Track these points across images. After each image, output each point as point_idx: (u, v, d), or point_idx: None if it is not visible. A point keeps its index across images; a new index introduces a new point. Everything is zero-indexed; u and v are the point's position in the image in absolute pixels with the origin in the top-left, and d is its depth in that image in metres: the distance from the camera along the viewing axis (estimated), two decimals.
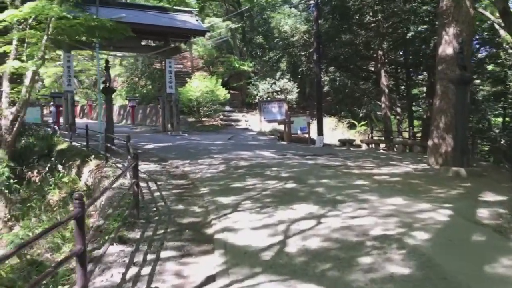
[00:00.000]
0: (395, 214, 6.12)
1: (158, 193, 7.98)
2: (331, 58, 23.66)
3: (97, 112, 41.90)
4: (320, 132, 19.29)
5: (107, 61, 13.35)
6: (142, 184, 8.57)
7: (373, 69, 28.43)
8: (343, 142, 21.18)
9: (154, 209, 6.89)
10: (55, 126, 17.95)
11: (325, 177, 9.41)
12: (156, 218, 6.37)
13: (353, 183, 8.74)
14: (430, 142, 11.83)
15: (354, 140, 21.42)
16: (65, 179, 11.06)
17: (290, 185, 8.48)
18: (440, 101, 11.54)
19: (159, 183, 9.02)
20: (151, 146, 16.17)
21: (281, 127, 21.89)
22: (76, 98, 49.76)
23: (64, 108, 20.64)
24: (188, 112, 26.09)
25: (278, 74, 27.80)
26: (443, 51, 11.48)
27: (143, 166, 11.03)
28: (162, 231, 5.72)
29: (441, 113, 11.48)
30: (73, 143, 15.92)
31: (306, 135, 21.39)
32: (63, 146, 15.66)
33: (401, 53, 24.73)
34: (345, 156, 14.24)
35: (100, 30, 12.68)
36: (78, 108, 47.58)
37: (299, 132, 21.90)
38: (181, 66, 35.21)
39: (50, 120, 27.92)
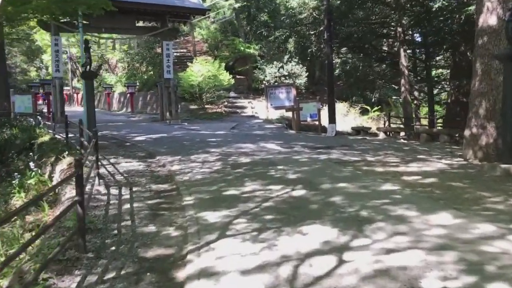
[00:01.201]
0: (450, 245, 4.26)
1: (128, 206, 6.19)
2: (343, 37, 21.49)
3: (97, 100, 40.50)
4: (332, 119, 17.38)
5: (86, 41, 11.51)
6: (113, 191, 6.80)
7: (387, 49, 26.25)
8: (358, 130, 19.25)
9: (115, 232, 5.10)
10: (38, 116, 16.22)
11: (342, 179, 7.55)
12: (113, 248, 4.58)
13: (378, 188, 6.87)
14: (467, 132, 9.87)
15: (370, 128, 19.45)
16: (32, 181, 9.32)
17: (299, 191, 6.64)
18: (480, 82, 9.54)
19: (135, 189, 7.23)
20: (142, 138, 14.40)
21: (290, 114, 20.03)
22: (78, 85, 48.61)
23: (53, 96, 18.94)
24: (190, 99, 24.30)
25: (286, 57, 25.78)
26: (484, 21, 9.44)
27: (124, 165, 9.28)
28: (112, 275, 3.93)
29: (481, 97, 9.49)
30: (57, 135, 14.22)
31: (316, 123, 19.52)
32: (45, 138, 13.96)
33: (420, 31, 22.50)
34: (362, 147, 12.33)
35: (77, 3, 10.82)
36: (80, 96, 46.10)
37: (308, 119, 20.06)
38: (185, 50, 33.33)
39: (46, 109, 26.39)
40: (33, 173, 10.15)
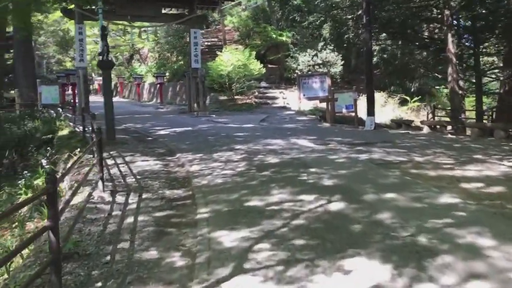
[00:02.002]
0: None
1: (131, 219, 5.20)
2: (382, 22, 19.80)
3: (128, 90, 40.23)
4: (370, 111, 15.95)
5: (103, 28, 10.60)
6: (119, 198, 5.84)
7: (428, 34, 24.25)
8: (399, 123, 17.74)
9: (107, 258, 4.10)
10: (59, 108, 15.61)
11: (389, 187, 6.30)
12: (98, 285, 3.58)
13: (435, 200, 5.59)
14: None
15: (412, 121, 17.86)
16: (39, 181, 8.54)
17: (337, 204, 5.45)
18: None
19: (145, 195, 6.25)
20: (166, 131, 13.51)
21: (323, 105, 18.70)
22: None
23: (77, 87, 18.36)
24: (219, 89, 23.31)
25: (320, 44, 24.30)
26: None
27: (139, 164, 8.34)
28: None
29: None
30: (77, 128, 13.55)
31: (352, 114, 18.12)
32: (64, 132, 13.32)
33: (469, 15, 20.49)
34: (407, 144, 10.94)
35: None
36: (112, 86, 46.12)
37: (344, 110, 18.66)
38: (215, 39, 32.38)
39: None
40: (44, 171, 9.41)
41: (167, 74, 30.04)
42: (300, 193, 6.00)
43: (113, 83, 45.31)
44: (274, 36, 26.52)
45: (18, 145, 13.76)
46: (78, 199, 5.79)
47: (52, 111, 15.60)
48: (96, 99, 39.36)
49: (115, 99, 40.27)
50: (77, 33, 17.75)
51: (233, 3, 24.47)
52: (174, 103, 26.74)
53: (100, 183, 6.14)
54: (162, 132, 13.37)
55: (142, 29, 23.21)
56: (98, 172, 6.30)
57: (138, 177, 7.33)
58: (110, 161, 8.59)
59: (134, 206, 5.70)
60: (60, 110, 15.28)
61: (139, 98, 33.48)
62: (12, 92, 21.13)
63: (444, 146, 10.74)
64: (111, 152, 9.56)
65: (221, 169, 7.81)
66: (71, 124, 14.26)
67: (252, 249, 4.09)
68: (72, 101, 22.23)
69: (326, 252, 3.98)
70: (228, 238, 4.40)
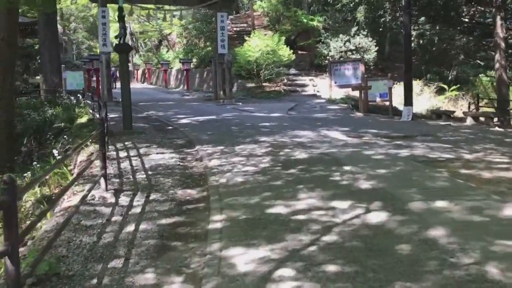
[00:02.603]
0: None
1: (132, 227, 4.42)
2: (422, 4, 18.30)
3: (156, 77, 39.82)
4: (408, 101, 14.73)
5: (120, 9, 9.86)
6: (123, 200, 5.09)
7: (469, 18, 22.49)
8: (438, 114, 16.40)
9: (93, 281, 3.33)
10: (79, 94, 15.11)
11: (438, 192, 5.29)
12: None
13: (499, 212, 4.57)
14: None
15: (453, 111, 16.51)
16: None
17: (377, 215, 4.51)
18: None
19: (153, 196, 5.47)
20: (188, 120, 12.78)
21: (356, 93, 17.56)
22: (139, 61, 48.49)
23: (100, 72, 17.86)
24: (246, 76, 22.41)
25: (353, 29, 22.95)
26: None
27: (153, 157, 7.61)
28: None
29: None
30: (97, 115, 12.96)
31: (387, 103, 16.93)
32: (83, 119, 12.78)
33: None
34: (451, 138, 9.81)
35: None
36: (139, 72, 45.84)
37: (378, 99, 17.52)
38: (245, 25, 31.41)
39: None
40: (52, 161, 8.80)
41: (194, 60, 29.32)
42: (332, 198, 5.09)
43: (141, 69, 45.43)
44: (305, 20, 25.31)
45: (36, 133, 13.34)
46: (77, 199, 5.08)
47: (73, 98, 15.10)
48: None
49: (142, 85, 40.18)
50: (100, 17, 17.20)
51: None
52: (201, 90, 26.05)
53: (102, 181, 5.40)
54: (184, 121, 12.64)
55: (167, 13, 22.43)
56: (100, 168, 5.54)
57: (150, 172, 6.58)
58: (122, 153, 7.90)
59: (139, 210, 4.93)
60: (80, 96, 14.73)
61: (166, 84, 32.99)
62: (38, 77, 20.84)
63: (493, 141, 9.56)
64: (126, 143, 8.89)
65: (243, 164, 6.97)
66: (90, 111, 13.71)
67: (271, 277, 3.23)
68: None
69: (368, 285, 3.07)
70: (243, 259, 3.55)
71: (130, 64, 52.01)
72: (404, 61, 15.11)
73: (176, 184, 6.00)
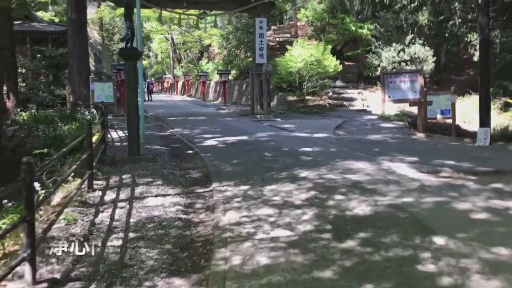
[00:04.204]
0: None
1: None
2: (501, 5, 15.31)
3: (195, 89, 38.30)
4: (485, 120, 11.90)
5: (128, 5, 7.88)
6: None
7: None
8: None
9: None
10: (93, 109, 13.33)
11: None
12: None
13: None
14: None
15: None
16: (7, 220, 5.89)
17: None
18: None
19: None
20: (214, 142, 10.64)
21: (412, 109, 14.89)
22: (179, 73, 47.36)
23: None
24: (288, 88, 20.18)
25: (408, 37, 20.15)
26: None
27: (150, 201, 5.51)
28: None
29: None
30: (109, 134, 11.14)
31: (448, 121, 14.12)
32: (94, 137, 10.89)
33: None
34: None
35: None
36: (180, 84, 44.57)
37: (438, 116, 14.70)
38: (288, 35, 29.34)
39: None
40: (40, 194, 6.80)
41: (233, 71, 27.41)
42: None
43: (181, 81, 44.16)
44: (353, 28, 22.83)
45: (44, 150, 11.65)
46: None
47: (94, 111, 13.36)
48: (164, 98, 38.04)
49: (181, 97, 38.59)
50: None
51: None
52: (239, 103, 24.07)
53: (28, 271, 3.20)
54: (208, 142, 10.50)
55: (200, 21, 20.59)
56: (26, 247, 3.32)
57: (131, 235, 4.40)
58: (110, 195, 5.77)
59: None
60: (94, 111, 12.96)
61: (203, 97, 31.29)
62: (65, 89, 19.50)
63: None
64: (123, 176, 6.81)
65: (271, 225, 4.65)
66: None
67: None
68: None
69: None
70: None
71: (170, 76, 51.10)
72: (480, 72, 12.32)
73: (160, 265, 3.76)
